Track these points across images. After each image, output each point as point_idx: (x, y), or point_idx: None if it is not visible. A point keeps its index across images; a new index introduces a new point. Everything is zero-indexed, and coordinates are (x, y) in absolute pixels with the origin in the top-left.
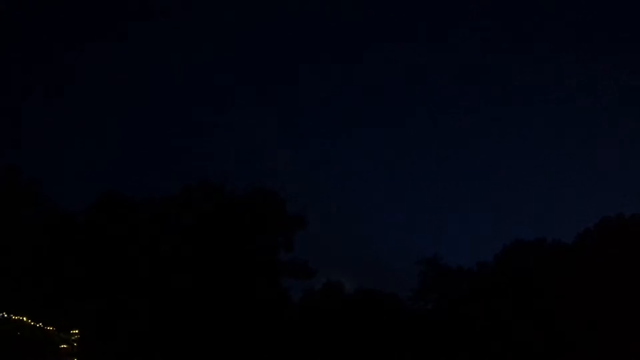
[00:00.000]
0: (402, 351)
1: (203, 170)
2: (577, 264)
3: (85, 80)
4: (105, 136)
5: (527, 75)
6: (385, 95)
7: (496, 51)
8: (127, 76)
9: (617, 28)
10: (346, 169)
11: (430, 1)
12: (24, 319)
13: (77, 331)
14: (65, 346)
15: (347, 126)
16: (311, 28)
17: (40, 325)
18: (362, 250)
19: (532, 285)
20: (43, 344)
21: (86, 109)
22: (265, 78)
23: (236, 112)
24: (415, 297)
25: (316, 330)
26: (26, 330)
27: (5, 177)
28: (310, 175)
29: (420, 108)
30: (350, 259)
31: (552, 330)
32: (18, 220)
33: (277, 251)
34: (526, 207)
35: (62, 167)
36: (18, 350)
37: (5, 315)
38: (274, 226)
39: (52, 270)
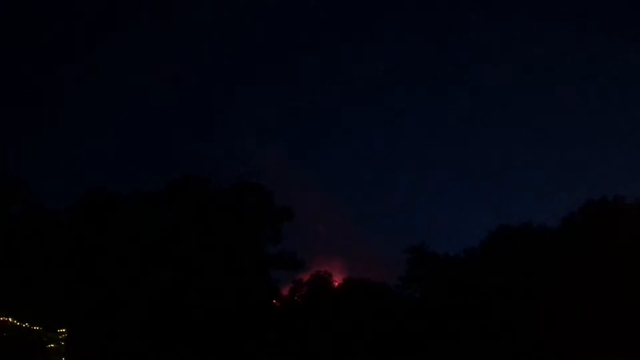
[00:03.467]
0: (390, 339)
1: (190, 166)
2: (563, 247)
3: (67, 78)
4: (89, 133)
5: (509, 63)
6: (373, 89)
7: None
8: (110, 73)
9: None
10: (332, 160)
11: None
12: (10, 319)
13: (64, 330)
14: (53, 345)
15: (331, 122)
16: (309, 24)
17: (26, 325)
18: (350, 241)
19: (519, 270)
20: (30, 344)
21: (69, 106)
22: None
23: (223, 109)
24: (404, 285)
25: (305, 320)
26: (12, 331)
27: None
28: (296, 168)
29: (403, 97)
30: (339, 251)
31: (538, 314)
32: (1, 219)
33: (265, 244)
34: (511, 193)
35: (46, 165)
36: (5, 351)
37: None
38: (261, 219)
39: (38, 269)
